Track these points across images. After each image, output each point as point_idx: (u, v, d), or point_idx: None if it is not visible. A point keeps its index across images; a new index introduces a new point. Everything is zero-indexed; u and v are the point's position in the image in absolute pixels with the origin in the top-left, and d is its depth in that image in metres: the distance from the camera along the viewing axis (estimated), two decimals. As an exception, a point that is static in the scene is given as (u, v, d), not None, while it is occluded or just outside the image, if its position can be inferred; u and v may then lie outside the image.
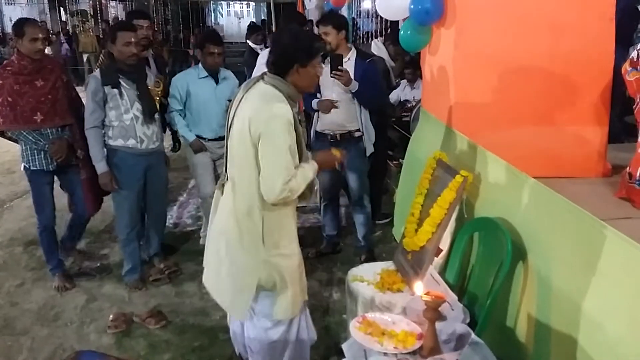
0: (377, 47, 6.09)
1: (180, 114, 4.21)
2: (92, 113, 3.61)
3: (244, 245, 2.47)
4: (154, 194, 4.01)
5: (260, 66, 4.48)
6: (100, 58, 4.31)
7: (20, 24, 3.57)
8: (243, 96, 2.45)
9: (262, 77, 2.48)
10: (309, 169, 2.46)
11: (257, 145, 2.34)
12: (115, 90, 3.61)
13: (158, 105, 3.87)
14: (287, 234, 2.56)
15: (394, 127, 6.12)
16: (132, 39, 3.57)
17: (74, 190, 4.00)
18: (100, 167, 3.68)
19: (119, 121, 3.66)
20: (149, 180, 3.91)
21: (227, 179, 2.54)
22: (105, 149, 3.72)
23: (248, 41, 8.10)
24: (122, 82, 3.63)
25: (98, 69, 3.71)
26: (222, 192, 2.59)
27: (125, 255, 4.02)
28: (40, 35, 3.56)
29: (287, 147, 2.34)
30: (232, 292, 2.56)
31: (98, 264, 4.33)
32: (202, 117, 4.20)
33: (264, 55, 4.58)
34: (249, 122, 2.34)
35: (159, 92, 3.90)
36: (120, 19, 18.66)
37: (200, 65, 4.23)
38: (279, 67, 2.42)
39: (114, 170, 3.72)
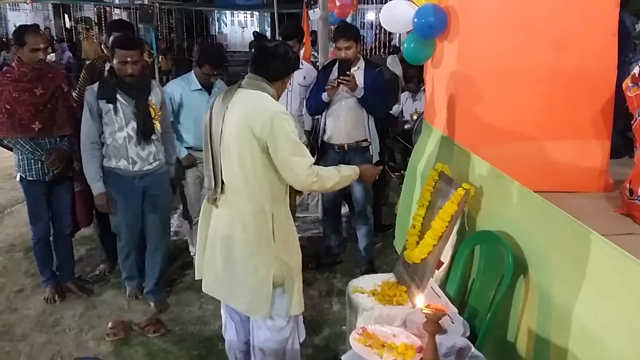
0: (393, 62, 6.11)
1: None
2: (89, 127, 3.47)
3: (254, 245, 2.50)
4: (151, 220, 3.75)
5: None
6: (82, 74, 4.12)
7: (22, 32, 3.47)
8: (227, 106, 2.46)
9: (239, 84, 2.53)
10: (348, 169, 2.68)
11: (266, 147, 2.38)
12: (110, 106, 3.44)
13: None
14: (292, 231, 2.65)
15: (396, 138, 6.12)
16: (129, 59, 3.39)
17: (59, 204, 3.81)
18: (96, 187, 3.53)
19: (112, 139, 3.49)
20: (146, 204, 3.70)
21: (222, 188, 2.53)
22: (101, 168, 3.56)
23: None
24: (120, 98, 3.45)
25: (98, 83, 3.51)
26: (215, 203, 2.58)
27: (124, 269, 3.91)
28: (42, 45, 3.46)
29: (297, 136, 2.43)
30: (250, 293, 2.54)
31: (97, 272, 4.31)
32: (192, 127, 4.08)
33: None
34: (251, 127, 2.37)
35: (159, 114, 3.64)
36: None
37: (192, 76, 4.13)
38: (273, 73, 2.51)
39: (109, 191, 3.57)
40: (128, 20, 20.24)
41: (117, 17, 22.05)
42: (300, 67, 4.31)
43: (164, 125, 3.69)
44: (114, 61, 3.43)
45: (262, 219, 2.49)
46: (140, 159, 3.55)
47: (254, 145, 2.39)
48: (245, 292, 2.55)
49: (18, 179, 3.74)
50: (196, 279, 2.79)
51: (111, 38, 3.82)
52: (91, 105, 3.44)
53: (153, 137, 3.59)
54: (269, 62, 2.51)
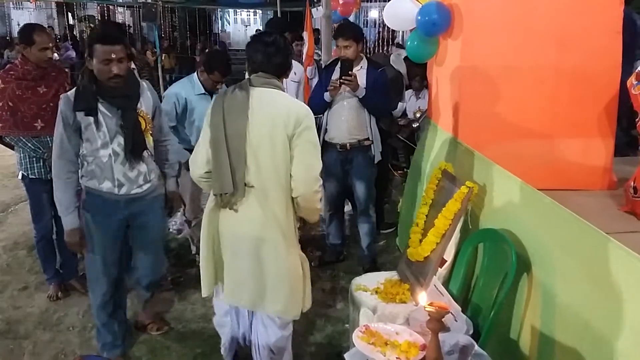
0: (397, 60, 6.09)
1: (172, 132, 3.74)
2: (63, 145, 2.83)
3: (289, 245, 2.54)
4: (143, 251, 3.18)
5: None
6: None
7: (29, 32, 3.47)
8: (249, 106, 2.43)
9: (249, 83, 2.50)
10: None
11: (291, 143, 2.42)
12: (91, 119, 2.78)
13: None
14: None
15: (398, 136, 6.12)
16: (113, 55, 2.72)
17: None
18: (68, 221, 2.90)
19: (94, 157, 2.85)
20: (134, 236, 3.12)
21: (245, 189, 2.46)
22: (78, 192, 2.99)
23: None
24: (102, 108, 2.80)
25: (74, 89, 2.85)
26: (232, 207, 2.51)
27: (99, 325, 3.18)
28: (50, 44, 3.49)
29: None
30: (286, 295, 2.56)
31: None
32: (194, 131, 3.98)
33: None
34: (285, 126, 2.39)
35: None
36: (128, 25, 18.80)
37: (195, 79, 4.00)
38: (280, 68, 2.53)
39: (85, 217, 2.97)
40: (131, 18, 20.33)
41: (120, 16, 22.15)
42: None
43: (159, 134, 3.15)
44: (94, 62, 2.74)
45: (291, 218, 2.54)
46: (128, 180, 2.91)
47: (286, 144, 2.41)
48: (280, 294, 2.54)
49: (20, 177, 3.75)
50: (204, 296, 2.72)
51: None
52: (66, 118, 2.78)
53: (145, 153, 2.97)
54: (275, 58, 2.50)
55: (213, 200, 2.57)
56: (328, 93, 3.92)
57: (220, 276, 2.64)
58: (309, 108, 2.49)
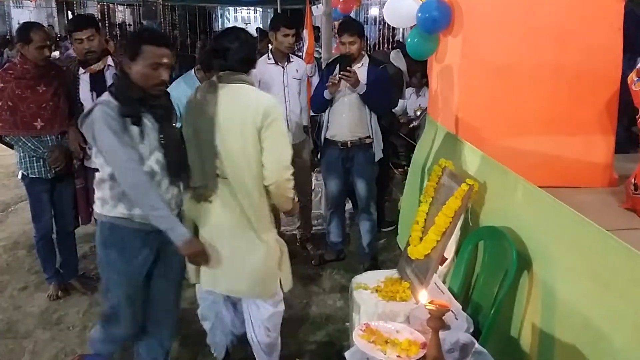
0: (397, 57, 6.08)
1: None
2: (126, 151, 2.35)
3: (265, 231, 2.64)
4: (161, 289, 2.73)
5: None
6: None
7: (26, 30, 3.46)
8: (216, 102, 2.51)
9: (218, 80, 2.57)
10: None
11: (260, 134, 2.49)
12: (136, 129, 2.40)
13: None
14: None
15: (399, 134, 6.12)
16: (164, 60, 2.41)
17: (61, 202, 3.76)
18: (182, 232, 2.45)
19: None
20: (159, 267, 2.67)
21: (217, 181, 2.55)
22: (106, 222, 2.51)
23: (269, 46, 8.14)
24: (145, 119, 2.44)
25: (107, 94, 2.46)
26: (207, 199, 2.58)
27: None
28: (48, 42, 3.48)
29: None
30: (262, 279, 2.67)
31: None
32: None
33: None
34: (253, 119, 2.47)
35: None
36: (128, 24, 18.80)
37: (191, 75, 3.87)
38: (247, 63, 2.63)
39: (107, 252, 2.55)
40: (131, 16, 20.30)
41: (120, 14, 22.13)
42: (291, 60, 4.31)
43: None
44: (139, 64, 2.38)
45: (264, 205, 2.63)
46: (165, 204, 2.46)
47: (255, 136, 2.48)
48: (256, 278, 2.65)
49: (20, 176, 3.75)
50: (193, 282, 2.84)
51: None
52: (112, 125, 2.34)
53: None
54: (239, 53, 2.58)
55: (189, 193, 2.64)
56: (328, 90, 3.91)
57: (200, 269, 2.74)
58: (276, 101, 2.64)
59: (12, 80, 3.45)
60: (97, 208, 2.53)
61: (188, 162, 2.57)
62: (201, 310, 3.05)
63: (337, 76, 3.82)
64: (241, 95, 2.53)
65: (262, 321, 2.80)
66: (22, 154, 3.62)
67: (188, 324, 3.38)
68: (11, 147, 3.70)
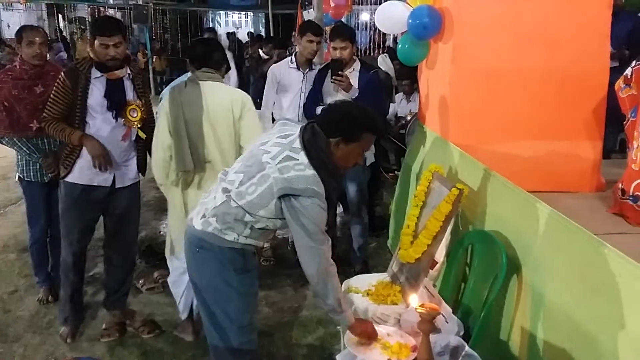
0: (384, 62, 6.12)
1: None
2: None
3: None
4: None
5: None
6: (61, 80, 3.09)
7: (20, 31, 3.50)
8: (201, 96, 2.98)
9: (196, 78, 3.04)
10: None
11: (239, 122, 3.02)
12: None
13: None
14: None
15: (390, 139, 6.15)
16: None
17: (56, 206, 3.47)
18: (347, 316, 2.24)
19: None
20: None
21: (204, 165, 3.04)
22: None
23: (259, 50, 8.21)
24: None
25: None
26: (190, 183, 3.08)
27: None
28: (37, 39, 3.42)
29: None
30: None
31: (92, 273, 4.30)
32: None
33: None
34: (232, 109, 2.99)
35: (137, 119, 3.19)
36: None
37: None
38: (220, 64, 3.10)
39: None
40: (122, 20, 20.24)
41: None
42: (313, 67, 4.26)
43: None
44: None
45: None
46: None
47: (235, 125, 3.01)
48: None
49: (17, 179, 3.75)
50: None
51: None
52: None
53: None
54: (215, 54, 3.10)
55: (175, 178, 3.08)
56: (319, 109, 3.92)
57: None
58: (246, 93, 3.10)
59: (9, 81, 3.43)
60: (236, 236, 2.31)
61: (178, 149, 2.97)
62: (172, 278, 3.37)
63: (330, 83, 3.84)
64: (219, 91, 3.02)
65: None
66: (19, 157, 3.63)
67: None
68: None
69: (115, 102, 3.14)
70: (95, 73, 3.13)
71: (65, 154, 3.21)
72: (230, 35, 15.68)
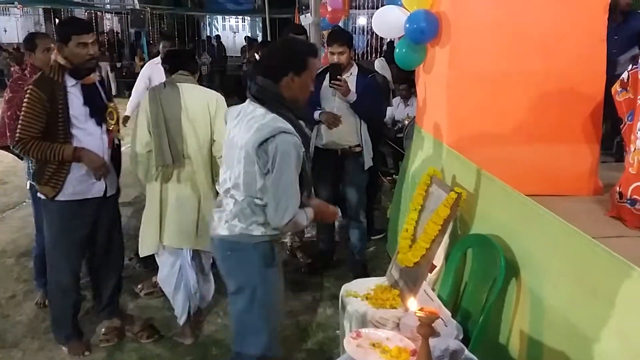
0: (381, 66, 6.13)
1: None
2: (295, 190, 2.28)
3: (214, 194, 3.22)
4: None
5: None
6: (31, 92, 2.92)
7: (31, 37, 3.53)
8: (180, 96, 3.19)
9: (174, 80, 3.25)
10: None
11: (213, 120, 3.24)
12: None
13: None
14: None
15: (388, 142, 6.16)
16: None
17: None
18: None
19: None
20: None
21: (183, 160, 3.22)
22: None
23: (256, 55, 8.26)
24: None
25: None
26: (170, 177, 3.25)
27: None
28: (52, 46, 3.42)
29: None
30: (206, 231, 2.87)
31: (88, 278, 4.28)
32: None
33: None
34: (208, 108, 3.23)
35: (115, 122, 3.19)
36: (116, 32, 18.68)
37: None
38: (192, 67, 3.40)
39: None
40: (119, 24, 20.22)
41: (108, 22, 21.98)
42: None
43: None
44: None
45: (211, 174, 3.34)
46: None
47: (211, 123, 3.23)
48: (205, 230, 3.01)
49: (28, 186, 3.73)
50: (148, 254, 3.40)
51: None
52: (300, 155, 2.27)
53: None
54: (189, 60, 3.42)
55: (155, 173, 3.24)
56: (317, 113, 3.94)
57: (164, 234, 3.30)
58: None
59: (20, 90, 3.36)
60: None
61: (158, 145, 3.15)
62: (162, 275, 3.46)
63: (328, 87, 3.85)
64: (194, 92, 3.25)
65: (208, 266, 3.50)
66: (29, 165, 3.59)
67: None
68: (21, 158, 3.67)
69: (97, 108, 3.04)
70: (70, 81, 2.98)
71: (49, 173, 3.00)
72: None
